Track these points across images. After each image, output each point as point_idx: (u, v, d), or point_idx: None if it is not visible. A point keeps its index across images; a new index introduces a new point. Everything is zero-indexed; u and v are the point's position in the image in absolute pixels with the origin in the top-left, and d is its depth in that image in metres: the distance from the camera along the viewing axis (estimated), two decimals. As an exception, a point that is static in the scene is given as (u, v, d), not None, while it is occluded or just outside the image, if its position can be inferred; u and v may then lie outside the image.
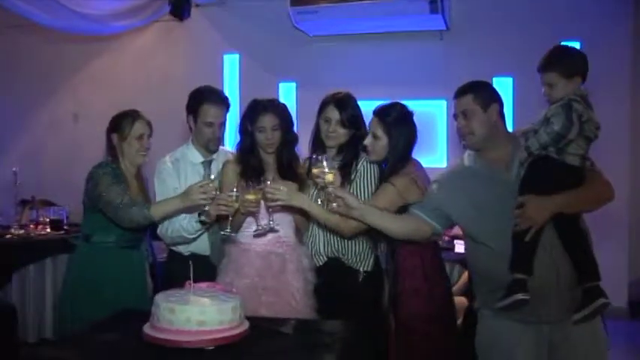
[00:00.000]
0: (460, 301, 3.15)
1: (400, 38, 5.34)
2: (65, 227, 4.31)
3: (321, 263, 2.54)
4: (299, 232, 2.56)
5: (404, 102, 2.49)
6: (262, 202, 2.35)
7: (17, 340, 3.60)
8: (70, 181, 4.10)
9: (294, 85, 5.58)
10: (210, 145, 2.77)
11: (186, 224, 2.55)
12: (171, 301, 1.78)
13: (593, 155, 2.11)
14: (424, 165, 2.49)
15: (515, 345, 2.08)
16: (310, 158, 2.53)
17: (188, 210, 2.48)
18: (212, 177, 2.42)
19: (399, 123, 2.40)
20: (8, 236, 4.08)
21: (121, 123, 2.63)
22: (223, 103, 2.75)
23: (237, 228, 2.46)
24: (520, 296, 1.96)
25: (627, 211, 4.98)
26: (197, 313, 1.74)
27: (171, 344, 1.72)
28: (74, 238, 3.50)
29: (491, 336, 2.17)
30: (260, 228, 2.41)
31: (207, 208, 2.40)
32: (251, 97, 2.59)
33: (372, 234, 2.40)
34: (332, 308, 2.39)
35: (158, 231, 2.68)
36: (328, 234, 2.50)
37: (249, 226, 2.46)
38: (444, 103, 5.13)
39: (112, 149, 2.66)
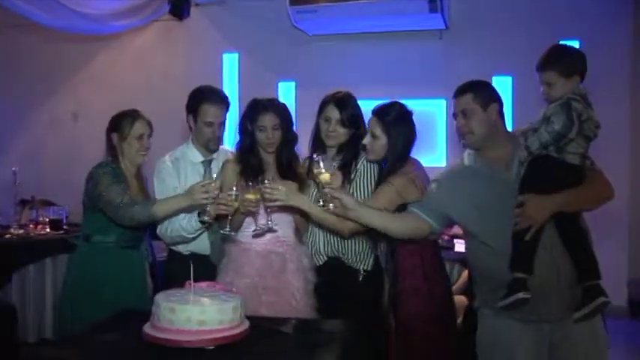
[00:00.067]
0: (460, 300, 3.15)
1: (400, 37, 5.34)
2: (65, 227, 4.31)
3: (321, 263, 2.54)
4: (299, 232, 2.56)
5: (403, 101, 2.48)
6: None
7: (17, 340, 3.59)
8: (69, 181, 4.10)
9: (293, 84, 5.58)
10: (210, 145, 2.76)
11: (185, 224, 2.55)
12: (172, 301, 1.78)
13: (593, 154, 2.11)
14: (423, 164, 2.49)
15: (515, 344, 2.08)
16: (310, 158, 2.53)
17: (188, 209, 2.48)
18: (214, 176, 2.42)
19: (398, 122, 2.40)
20: (8, 236, 4.08)
21: (120, 123, 2.63)
22: (223, 102, 2.75)
23: (236, 227, 2.46)
24: (521, 295, 1.96)
25: (627, 210, 4.98)
26: (197, 312, 1.74)
27: (172, 344, 1.72)
28: (74, 238, 3.49)
29: (491, 335, 2.17)
30: (259, 228, 2.41)
31: (207, 208, 2.40)
32: (250, 97, 2.59)
33: (372, 233, 2.40)
34: (332, 308, 2.40)
35: (158, 230, 2.68)
36: (328, 233, 2.50)
37: (249, 226, 2.46)
38: (443, 103, 5.14)
39: (111, 149, 2.66)
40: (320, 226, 2.47)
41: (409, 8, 4.76)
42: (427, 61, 5.32)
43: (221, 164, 2.67)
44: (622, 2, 5.00)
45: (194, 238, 2.65)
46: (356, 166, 2.53)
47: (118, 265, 2.61)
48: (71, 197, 3.54)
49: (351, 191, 2.46)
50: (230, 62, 5.78)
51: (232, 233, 2.44)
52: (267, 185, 2.27)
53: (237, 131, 2.57)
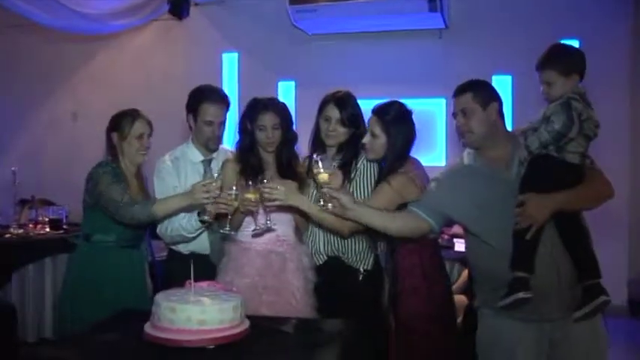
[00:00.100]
0: (460, 299, 3.15)
1: (399, 37, 5.34)
2: (64, 227, 4.30)
3: (321, 262, 2.54)
4: (299, 231, 2.56)
5: (403, 100, 2.48)
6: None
7: (17, 339, 3.59)
8: (69, 181, 4.10)
9: (293, 83, 5.58)
10: (210, 144, 2.76)
11: (185, 223, 2.55)
12: (172, 301, 1.78)
13: (593, 154, 2.11)
14: (423, 163, 2.50)
15: (516, 343, 2.08)
16: (309, 157, 2.53)
17: (188, 209, 2.48)
18: (215, 176, 2.41)
19: (398, 121, 2.40)
20: (7, 236, 4.07)
21: (120, 122, 2.63)
22: (223, 101, 2.74)
23: (236, 227, 2.46)
24: (522, 294, 1.96)
25: (627, 209, 4.98)
26: (198, 312, 1.74)
27: (172, 343, 1.72)
28: (74, 238, 3.50)
29: (491, 335, 2.17)
30: (258, 227, 2.41)
31: (207, 208, 2.40)
32: (250, 96, 2.58)
33: (371, 233, 2.40)
34: (332, 307, 2.39)
35: (157, 230, 2.68)
36: (328, 233, 2.50)
37: (249, 225, 2.46)
38: (443, 102, 5.14)
39: (111, 148, 2.66)
40: (320, 225, 2.47)
41: (409, 7, 4.76)
42: (427, 60, 5.32)
43: (221, 164, 2.66)
44: (622, 2, 5.00)
45: (194, 238, 2.65)
46: (356, 165, 2.52)
47: (118, 265, 2.61)
48: (71, 197, 3.54)
49: (351, 190, 2.46)
50: (230, 62, 5.79)
51: (232, 233, 2.44)
52: (265, 185, 2.27)
53: (237, 131, 2.57)
